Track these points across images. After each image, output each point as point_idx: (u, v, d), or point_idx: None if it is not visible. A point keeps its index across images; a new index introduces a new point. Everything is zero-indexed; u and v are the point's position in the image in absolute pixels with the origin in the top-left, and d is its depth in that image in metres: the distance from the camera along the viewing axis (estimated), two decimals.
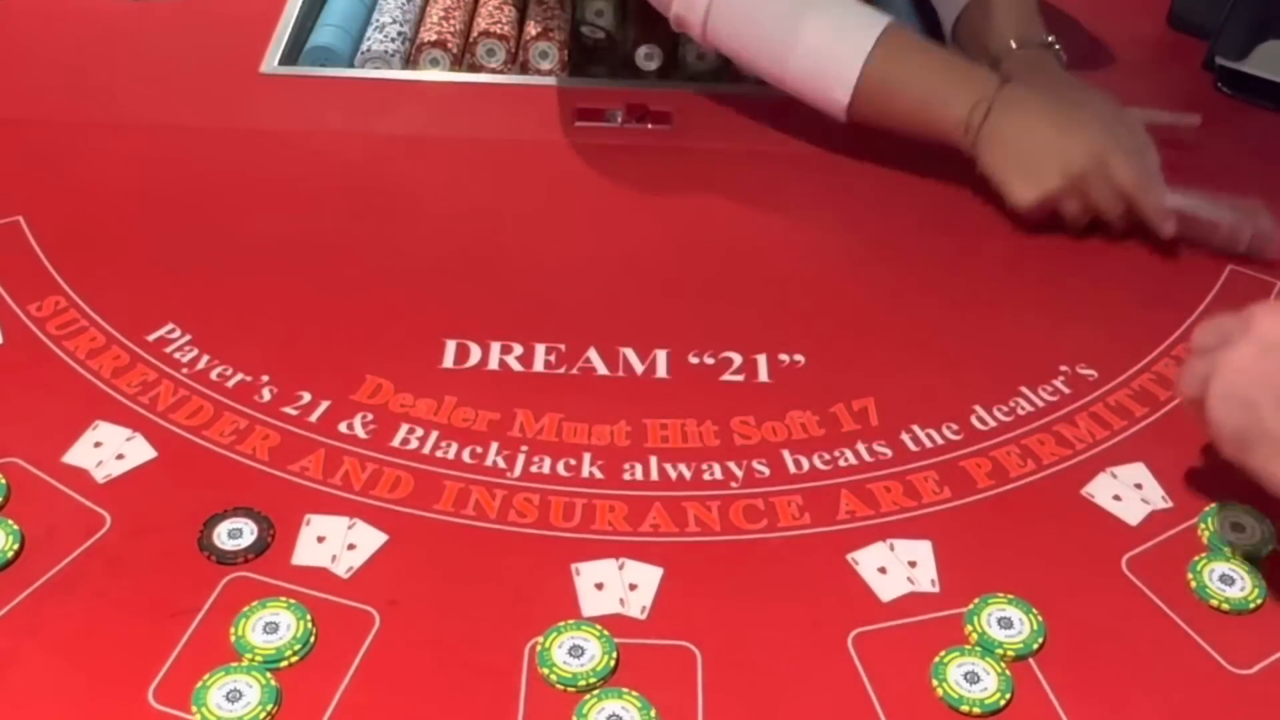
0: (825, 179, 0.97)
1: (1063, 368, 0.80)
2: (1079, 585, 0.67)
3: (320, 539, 0.67)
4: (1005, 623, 0.63)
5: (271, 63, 1.05)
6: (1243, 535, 0.68)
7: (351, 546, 0.66)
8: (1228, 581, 0.66)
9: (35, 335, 0.78)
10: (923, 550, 0.68)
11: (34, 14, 1.11)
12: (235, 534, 0.66)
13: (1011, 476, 0.73)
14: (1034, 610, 0.64)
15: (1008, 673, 0.61)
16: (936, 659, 0.62)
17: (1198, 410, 0.59)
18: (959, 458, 0.74)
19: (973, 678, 0.61)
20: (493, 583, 0.65)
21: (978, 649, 0.62)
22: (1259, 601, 0.66)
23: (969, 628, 0.63)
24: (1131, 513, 0.71)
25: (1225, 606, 0.65)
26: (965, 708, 0.60)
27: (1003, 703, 0.60)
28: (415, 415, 0.74)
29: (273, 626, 0.61)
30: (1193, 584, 0.66)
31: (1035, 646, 0.62)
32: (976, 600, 0.64)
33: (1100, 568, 0.68)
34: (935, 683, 0.61)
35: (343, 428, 0.73)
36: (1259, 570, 0.67)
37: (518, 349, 0.80)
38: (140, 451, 0.71)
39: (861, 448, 0.74)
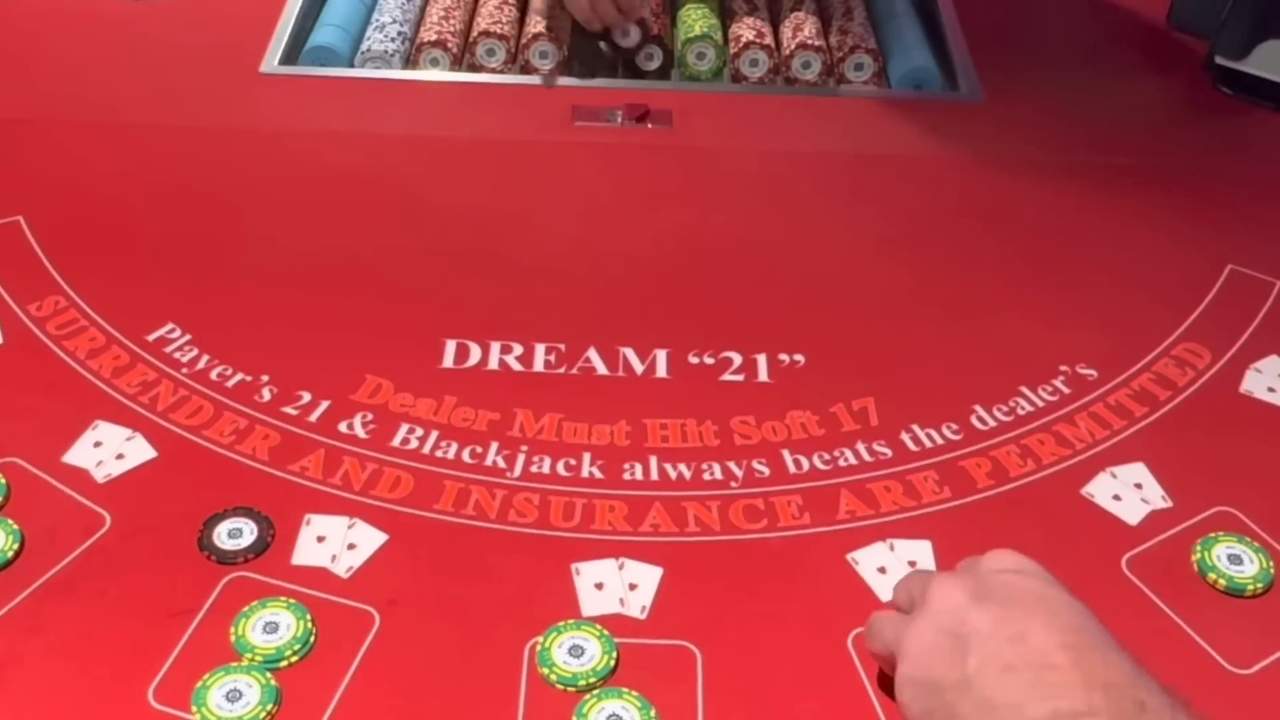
0: (826, 179, 0.97)
1: (1063, 368, 0.80)
2: (1079, 585, 0.66)
3: (320, 539, 0.67)
4: None
5: (271, 63, 1.05)
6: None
7: (351, 546, 0.66)
8: (1235, 561, 0.67)
9: (35, 335, 0.78)
10: (923, 550, 0.68)
11: (34, 14, 1.11)
12: (235, 534, 0.66)
13: (1011, 476, 0.73)
14: None
15: None
16: None
17: (887, 667, 0.57)
18: (959, 458, 0.74)
19: None
20: (493, 583, 0.65)
21: None
22: (1258, 588, 0.66)
23: None
24: (1131, 513, 0.71)
25: (1221, 584, 0.66)
26: None
27: None
28: (415, 415, 0.74)
29: (273, 626, 0.61)
30: (1196, 558, 0.67)
31: None
32: None
33: (1100, 568, 0.68)
34: None
35: (343, 428, 0.73)
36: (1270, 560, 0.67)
37: (518, 349, 0.80)
38: (140, 451, 0.71)
39: (861, 448, 0.74)
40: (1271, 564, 0.67)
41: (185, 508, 0.67)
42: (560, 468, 0.72)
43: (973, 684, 0.50)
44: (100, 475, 0.69)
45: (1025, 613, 0.51)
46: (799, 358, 0.80)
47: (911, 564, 0.67)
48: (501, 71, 1.08)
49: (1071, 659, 0.49)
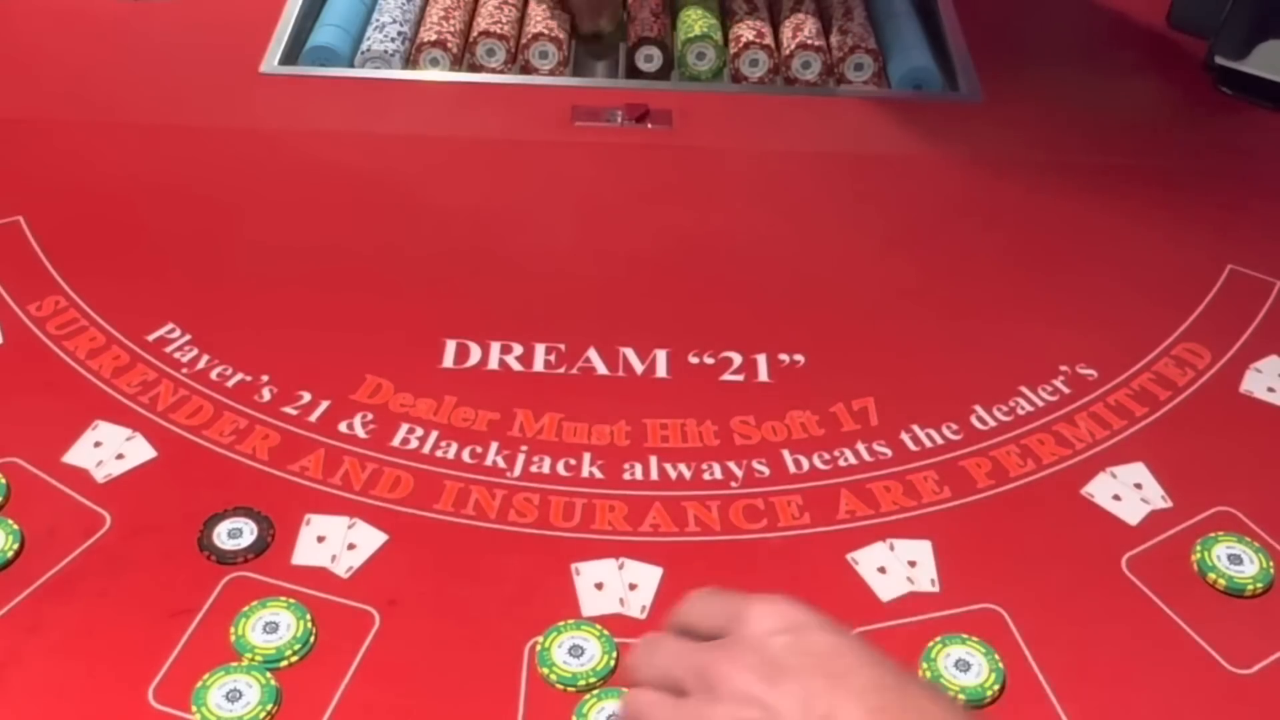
0: (825, 179, 0.97)
1: (1063, 368, 0.80)
2: (1079, 585, 0.67)
3: (320, 539, 0.67)
4: (963, 665, 0.61)
5: (271, 63, 1.05)
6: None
7: (351, 546, 0.66)
8: (1235, 561, 0.67)
9: (35, 335, 0.78)
10: (922, 550, 0.68)
11: (34, 14, 1.11)
12: (235, 534, 0.66)
13: (1011, 476, 0.73)
14: (995, 654, 0.62)
15: (1001, 666, 0.61)
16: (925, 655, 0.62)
17: None
18: (959, 457, 0.74)
19: (963, 666, 0.61)
20: (493, 583, 0.65)
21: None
22: (1258, 588, 0.66)
23: (923, 665, 0.61)
24: (1131, 513, 0.71)
25: (1221, 584, 0.66)
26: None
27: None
28: (415, 415, 0.74)
29: (273, 626, 0.61)
30: (1196, 558, 0.67)
31: (987, 695, 0.60)
32: (936, 639, 0.62)
33: (1100, 568, 0.68)
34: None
35: (343, 428, 0.73)
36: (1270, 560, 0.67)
37: (518, 349, 0.80)
38: (140, 451, 0.71)
39: (861, 448, 0.74)
40: (1271, 564, 0.67)
41: (185, 508, 0.67)
42: (560, 468, 0.72)
43: None
44: (100, 475, 0.69)
45: (827, 685, 0.46)
46: (799, 358, 0.80)
47: (911, 564, 0.67)
48: (501, 71, 1.08)
49: None
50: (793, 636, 0.48)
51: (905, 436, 0.75)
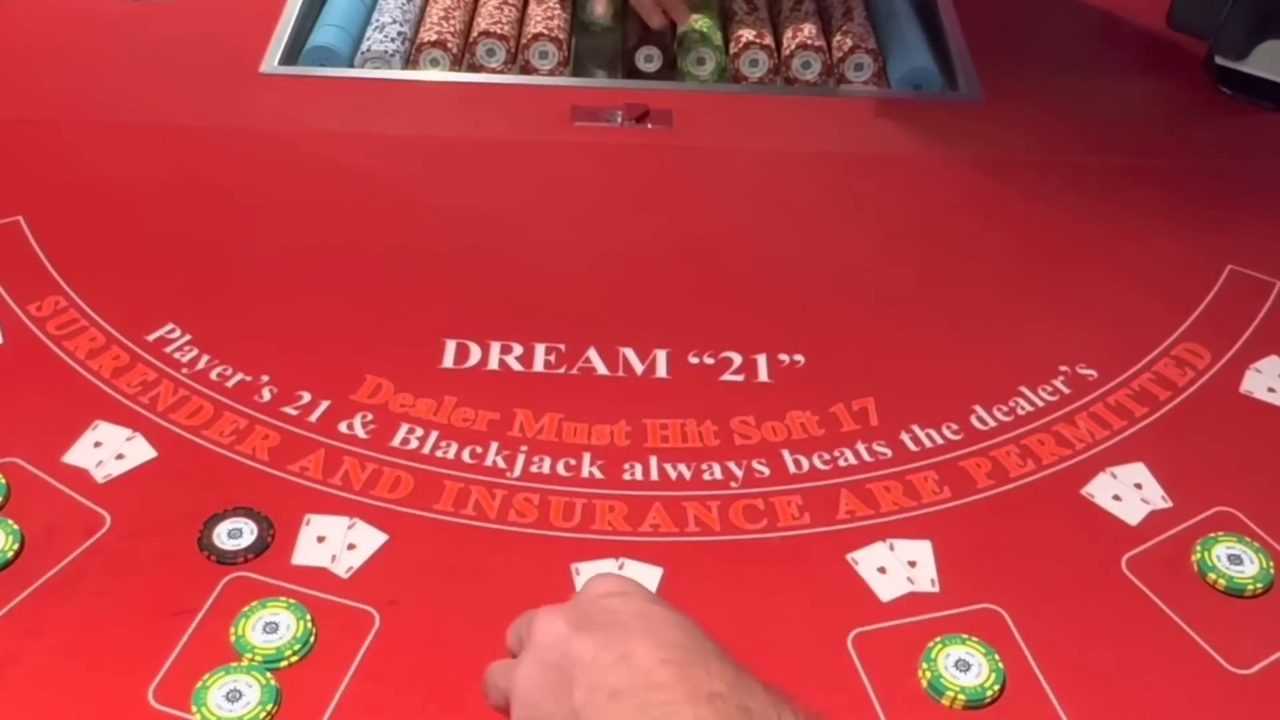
0: (826, 179, 0.97)
1: (1063, 368, 0.80)
2: (1079, 585, 0.67)
3: (320, 539, 0.67)
4: (963, 665, 0.61)
5: (271, 63, 1.05)
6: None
7: (351, 546, 0.66)
8: (1235, 561, 0.67)
9: (35, 335, 0.78)
10: (922, 550, 0.68)
11: (34, 14, 1.11)
12: (235, 534, 0.66)
13: (1011, 476, 0.73)
14: (995, 654, 0.62)
15: (1001, 666, 0.61)
16: (924, 655, 0.62)
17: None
18: (959, 458, 0.74)
19: (963, 666, 0.61)
20: (493, 583, 0.65)
21: (931, 690, 0.61)
22: (1258, 588, 0.66)
23: (923, 665, 0.62)
24: (1131, 513, 0.71)
25: (1221, 584, 0.66)
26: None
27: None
28: (415, 415, 0.75)
29: (273, 626, 0.61)
30: (1196, 558, 0.67)
31: (987, 695, 0.61)
32: (936, 639, 0.63)
33: (1100, 568, 0.68)
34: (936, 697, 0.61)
35: (343, 428, 0.73)
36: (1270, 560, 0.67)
37: (518, 349, 0.80)
38: (140, 451, 0.71)
39: (861, 448, 0.74)
40: (1271, 564, 0.67)
41: (185, 508, 0.67)
42: (560, 468, 0.72)
43: (580, 716, 0.48)
44: (100, 475, 0.69)
45: (626, 634, 0.50)
46: (799, 358, 0.80)
47: (911, 564, 0.67)
48: (501, 71, 1.08)
49: (675, 675, 0.48)
50: (616, 599, 0.52)
51: (905, 436, 0.75)
